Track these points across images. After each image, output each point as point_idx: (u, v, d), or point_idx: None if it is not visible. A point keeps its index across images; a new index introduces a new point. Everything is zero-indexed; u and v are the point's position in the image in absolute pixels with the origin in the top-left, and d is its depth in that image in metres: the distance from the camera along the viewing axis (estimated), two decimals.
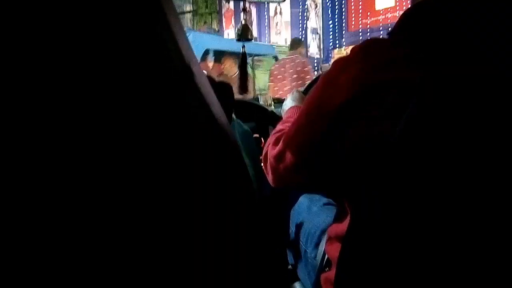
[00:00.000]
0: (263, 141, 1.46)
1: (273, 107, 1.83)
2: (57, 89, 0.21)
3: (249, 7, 7.34)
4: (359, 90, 0.56)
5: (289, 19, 7.03)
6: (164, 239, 0.24)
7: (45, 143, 0.20)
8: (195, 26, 6.93)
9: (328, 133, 0.60)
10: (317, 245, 0.84)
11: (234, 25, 7.84)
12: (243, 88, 1.74)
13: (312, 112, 0.63)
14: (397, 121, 0.48)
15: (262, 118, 1.53)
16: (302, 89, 1.24)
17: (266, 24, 7.43)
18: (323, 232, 0.84)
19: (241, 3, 1.60)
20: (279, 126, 0.83)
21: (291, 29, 6.91)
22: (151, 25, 0.24)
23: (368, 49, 0.59)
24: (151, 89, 0.24)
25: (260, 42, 6.75)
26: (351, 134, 0.57)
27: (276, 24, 7.30)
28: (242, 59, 1.60)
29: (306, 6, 6.62)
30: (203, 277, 0.26)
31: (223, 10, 8.01)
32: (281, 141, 0.69)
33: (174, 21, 0.26)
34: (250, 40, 1.53)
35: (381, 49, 0.58)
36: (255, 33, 7.63)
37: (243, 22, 1.50)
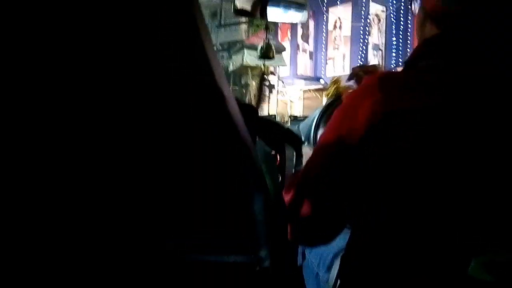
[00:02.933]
0: (278, 158, 1.45)
1: (289, 124, 1.81)
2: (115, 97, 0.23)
3: (308, 20, 7.07)
4: (379, 120, 0.57)
5: (348, 33, 6.64)
6: None
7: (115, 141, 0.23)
8: (249, 37, 6.74)
9: (349, 166, 0.60)
10: (329, 268, 0.86)
11: (289, 38, 7.59)
12: (258, 105, 1.79)
13: (330, 149, 0.63)
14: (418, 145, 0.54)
15: (278, 135, 1.44)
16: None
17: (323, 38, 7.08)
18: (335, 255, 0.84)
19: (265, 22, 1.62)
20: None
21: (351, 45, 6.52)
22: (189, 51, 0.26)
23: (383, 80, 0.60)
24: (185, 108, 0.26)
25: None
26: (372, 160, 0.58)
27: (335, 39, 6.93)
28: (261, 77, 1.79)
29: (368, 21, 6.21)
30: None
31: (280, 22, 7.78)
32: (296, 182, 0.68)
33: (209, 47, 0.28)
34: (272, 58, 1.54)
35: (396, 79, 0.61)
36: (311, 47, 7.34)
37: (266, 41, 1.47)
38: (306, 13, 1.41)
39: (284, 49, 6.50)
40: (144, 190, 0.25)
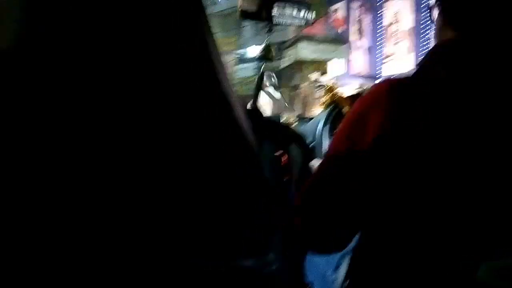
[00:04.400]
0: (285, 158, 1.51)
1: (295, 124, 1.80)
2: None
3: (360, 15, 6.54)
4: (390, 127, 0.56)
5: (409, 26, 5.98)
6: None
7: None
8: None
9: (359, 174, 0.60)
10: (336, 268, 0.95)
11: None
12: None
13: (340, 158, 0.63)
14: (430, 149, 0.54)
15: (283, 136, 1.58)
16: None
17: (380, 33, 6.47)
18: (343, 256, 0.91)
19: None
20: None
21: (414, 38, 5.86)
22: (194, 56, 0.26)
23: (393, 90, 0.60)
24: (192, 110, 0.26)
25: None
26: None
27: (394, 33, 6.29)
28: (258, 78, 1.55)
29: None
30: None
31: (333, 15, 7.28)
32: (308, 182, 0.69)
33: (214, 51, 0.29)
34: (271, 61, 1.52)
35: (406, 87, 0.60)
36: (367, 43, 6.77)
37: (266, 43, 1.42)
38: (314, 14, 1.37)
39: (346, 41, 6.00)
40: (148, 194, 0.24)
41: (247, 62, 9.05)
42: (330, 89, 1.58)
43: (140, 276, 0.24)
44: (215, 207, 0.27)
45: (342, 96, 1.55)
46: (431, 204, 0.53)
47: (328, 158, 0.67)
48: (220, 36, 10.80)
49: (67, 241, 0.21)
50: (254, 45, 9.01)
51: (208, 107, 0.26)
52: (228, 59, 9.50)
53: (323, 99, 1.59)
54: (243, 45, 9.27)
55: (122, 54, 0.23)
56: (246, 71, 9.34)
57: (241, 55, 9.31)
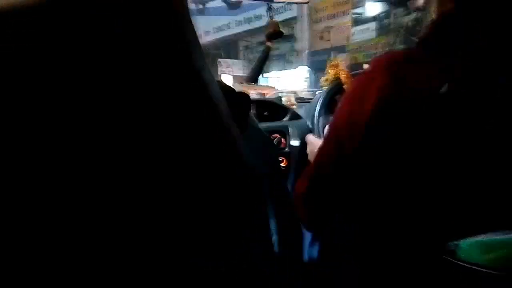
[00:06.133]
0: (283, 141, 1.48)
1: (295, 107, 1.80)
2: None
3: None
4: (389, 98, 0.55)
5: None
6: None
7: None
8: None
9: (358, 155, 0.60)
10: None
11: None
12: (252, 79, 1.95)
13: (340, 138, 0.62)
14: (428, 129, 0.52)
15: (283, 117, 1.57)
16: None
17: None
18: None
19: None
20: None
21: None
22: (164, 30, 0.25)
23: (392, 63, 0.58)
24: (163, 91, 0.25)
25: None
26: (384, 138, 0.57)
27: None
28: (264, 52, 1.64)
29: None
30: None
31: None
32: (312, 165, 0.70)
33: (188, 27, 0.27)
34: (280, 36, 1.59)
35: (406, 60, 0.57)
36: None
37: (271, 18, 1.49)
38: None
39: None
40: (147, 193, 0.24)
41: (366, 22, 8.18)
42: (335, 65, 1.48)
43: (140, 276, 0.24)
44: (211, 205, 0.27)
45: (346, 73, 1.47)
46: (427, 186, 0.53)
47: (328, 139, 0.66)
48: None
49: (65, 241, 0.21)
50: (372, 2, 8.00)
51: (178, 83, 0.26)
52: (343, 21, 8.65)
53: (327, 76, 1.51)
54: (360, 3, 8.25)
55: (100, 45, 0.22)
56: (365, 33, 8.47)
57: (358, 15, 8.33)
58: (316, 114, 1.41)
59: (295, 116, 1.56)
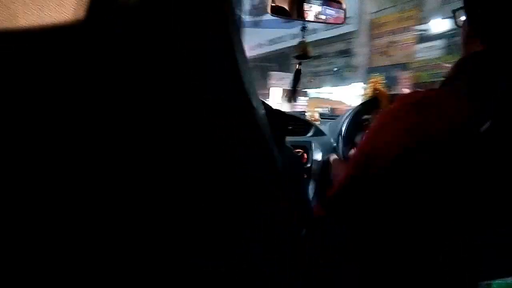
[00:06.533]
0: (305, 156, 1.49)
1: (319, 123, 1.79)
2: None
3: None
4: (415, 139, 0.55)
5: None
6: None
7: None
8: None
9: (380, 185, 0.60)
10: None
11: None
12: (289, 100, 1.82)
13: (362, 166, 0.63)
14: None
15: (307, 133, 1.59)
16: None
17: None
18: None
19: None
20: None
21: None
22: (220, 62, 0.26)
23: (417, 104, 0.57)
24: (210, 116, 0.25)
25: None
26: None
27: None
28: (295, 74, 1.47)
29: None
30: None
31: None
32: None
33: (241, 58, 0.28)
34: (309, 58, 1.43)
35: (431, 102, 0.57)
36: None
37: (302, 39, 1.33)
38: (344, 14, 1.20)
39: None
40: (148, 193, 0.24)
41: (431, 40, 7.56)
42: (374, 81, 1.43)
43: (140, 276, 0.23)
44: (217, 207, 0.27)
45: (384, 91, 1.42)
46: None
47: (353, 165, 0.66)
48: (395, 10, 9.39)
49: (66, 241, 0.21)
50: (439, 18, 7.39)
51: (228, 107, 0.26)
52: (407, 37, 8.10)
53: (366, 91, 1.48)
54: (425, 19, 7.68)
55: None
56: (429, 51, 7.85)
57: (422, 32, 7.75)
58: (343, 133, 1.41)
59: (319, 132, 1.58)
